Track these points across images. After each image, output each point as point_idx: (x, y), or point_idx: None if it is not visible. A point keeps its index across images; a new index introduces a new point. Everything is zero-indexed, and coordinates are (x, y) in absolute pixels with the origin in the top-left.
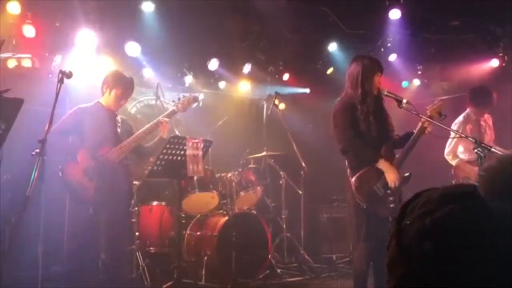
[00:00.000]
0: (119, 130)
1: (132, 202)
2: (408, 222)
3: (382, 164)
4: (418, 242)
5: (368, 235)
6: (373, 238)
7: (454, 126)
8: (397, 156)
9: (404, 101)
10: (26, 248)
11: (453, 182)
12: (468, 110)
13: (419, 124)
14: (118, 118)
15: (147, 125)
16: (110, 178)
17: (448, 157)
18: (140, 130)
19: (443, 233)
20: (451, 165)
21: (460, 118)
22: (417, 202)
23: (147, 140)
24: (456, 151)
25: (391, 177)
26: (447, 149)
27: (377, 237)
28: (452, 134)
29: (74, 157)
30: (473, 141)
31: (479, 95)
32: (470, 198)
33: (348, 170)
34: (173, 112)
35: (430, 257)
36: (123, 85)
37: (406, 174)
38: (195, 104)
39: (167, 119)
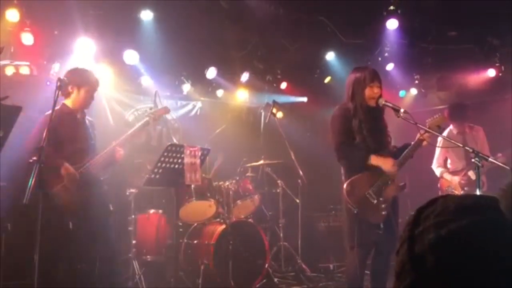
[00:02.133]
0: (92, 134)
1: (110, 209)
2: (421, 230)
3: (375, 160)
4: (432, 252)
5: (360, 241)
6: (366, 244)
7: (438, 141)
8: None
9: (402, 110)
10: (22, 256)
11: (439, 193)
12: (450, 125)
13: (417, 136)
14: (87, 121)
15: (122, 137)
16: (89, 190)
17: (434, 168)
18: (114, 144)
19: (459, 245)
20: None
21: (444, 133)
22: (432, 210)
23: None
24: (442, 163)
25: (387, 165)
26: (434, 161)
27: (370, 244)
28: (441, 143)
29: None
30: (471, 150)
31: (454, 110)
32: (490, 211)
33: (343, 177)
34: (146, 123)
35: (444, 268)
36: (91, 80)
37: (401, 184)
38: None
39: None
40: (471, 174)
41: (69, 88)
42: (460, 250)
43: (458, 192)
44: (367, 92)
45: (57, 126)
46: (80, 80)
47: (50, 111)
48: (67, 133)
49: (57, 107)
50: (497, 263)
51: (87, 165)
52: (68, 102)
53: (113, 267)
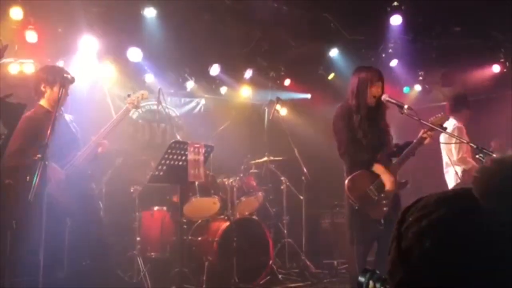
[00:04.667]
0: (74, 130)
1: (100, 206)
2: (407, 226)
3: (378, 168)
4: (416, 244)
5: (361, 236)
6: (366, 240)
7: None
8: (394, 162)
9: (405, 106)
10: (27, 253)
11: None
12: (455, 122)
13: (420, 134)
14: (66, 117)
15: (103, 129)
16: (79, 185)
17: (459, 164)
18: (93, 139)
19: (439, 235)
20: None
21: (454, 129)
22: (416, 206)
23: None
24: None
25: (388, 181)
26: (455, 157)
27: (370, 239)
28: (451, 140)
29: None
30: (475, 147)
31: (457, 100)
32: (465, 200)
33: (345, 173)
34: (127, 111)
35: (427, 259)
36: (63, 76)
37: (403, 181)
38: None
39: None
40: None
41: (41, 87)
42: (440, 240)
43: None
44: (372, 91)
45: (37, 129)
46: (52, 77)
47: (27, 113)
48: (47, 134)
49: (33, 109)
50: (474, 250)
51: (71, 163)
52: (43, 102)
53: (106, 263)
